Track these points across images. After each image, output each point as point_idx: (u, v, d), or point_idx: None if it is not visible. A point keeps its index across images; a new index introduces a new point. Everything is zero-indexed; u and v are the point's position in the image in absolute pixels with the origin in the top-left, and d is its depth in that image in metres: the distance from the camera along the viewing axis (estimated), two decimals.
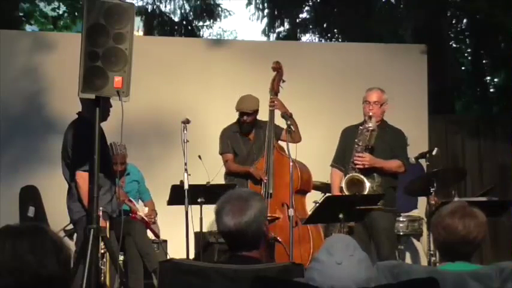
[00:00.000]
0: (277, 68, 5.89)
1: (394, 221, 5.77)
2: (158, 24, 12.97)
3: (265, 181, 5.71)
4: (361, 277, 2.25)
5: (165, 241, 6.65)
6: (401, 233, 6.52)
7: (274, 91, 5.86)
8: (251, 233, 2.68)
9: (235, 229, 2.65)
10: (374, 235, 5.41)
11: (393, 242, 5.65)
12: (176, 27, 13.10)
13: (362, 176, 5.38)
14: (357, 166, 5.41)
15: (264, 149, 5.86)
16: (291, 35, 13.04)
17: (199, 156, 5.79)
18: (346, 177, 5.45)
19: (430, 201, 5.69)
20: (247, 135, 6.12)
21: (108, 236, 4.48)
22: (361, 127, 5.48)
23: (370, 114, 5.42)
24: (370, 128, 5.39)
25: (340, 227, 5.02)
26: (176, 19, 13.23)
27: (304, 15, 13.65)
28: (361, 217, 5.24)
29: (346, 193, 5.33)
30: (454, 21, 13.03)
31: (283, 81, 5.87)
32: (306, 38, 13.66)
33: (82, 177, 4.49)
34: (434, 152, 6.37)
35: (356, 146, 5.43)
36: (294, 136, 5.63)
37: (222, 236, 2.75)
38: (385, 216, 5.38)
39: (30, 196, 7.03)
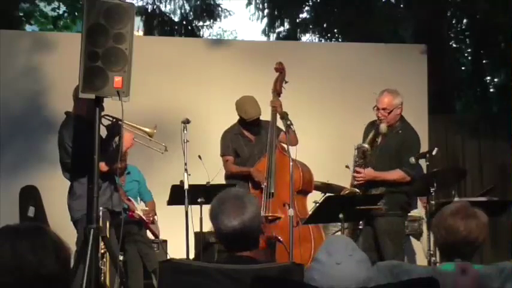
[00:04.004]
0: (280, 69, 5.89)
1: (399, 224, 5.58)
2: (158, 24, 12.97)
3: (263, 186, 5.70)
4: (361, 277, 2.26)
5: (165, 241, 6.66)
6: None
7: (277, 92, 5.85)
8: (254, 230, 2.69)
9: (239, 228, 2.64)
10: (378, 238, 5.41)
11: (398, 244, 5.50)
12: (176, 27, 13.11)
13: (356, 190, 5.38)
14: (355, 182, 5.40)
15: (266, 149, 5.86)
16: (291, 35, 13.05)
17: (199, 156, 5.79)
18: (341, 192, 5.47)
19: (431, 201, 5.69)
20: (253, 136, 6.11)
21: (109, 233, 4.48)
22: (355, 145, 5.44)
23: (378, 121, 5.39)
24: (364, 149, 5.38)
25: (343, 228, 5.03)
26: (176, 19, 13.24)
27: (304, 15, 13.64)
28: (361, 217, 5.25)
29: None
30: (454, 21, 13.03)
31: (286, 82, 5.87)
32: (306, 38, 13.67)
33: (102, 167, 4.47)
34: (434, 152, 6.35)
35: (354, 162, 5.43)
36: (292, 138, 5.61)
37: (223, 238, 2.70)
38: (389, 219, 5.36)
39: (30, 196, 7.04)
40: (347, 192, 5.45)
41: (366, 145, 5.38)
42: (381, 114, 5.39)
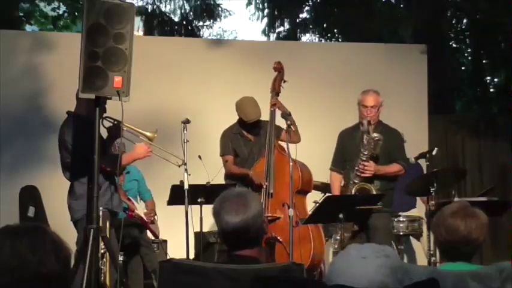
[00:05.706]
0: (279, 68, 5.88)
1: (391, 221, 5.82)
2: (158, 24, 12.98)
3: (264, 187, 5.69)
4: (377, 278, 2.21)
5: (165, 241, 6.66)
6: (401, 233, 6.53)
7: (276, 91, 5.85)
8: (256, 228, 2.68)
9: (241, 225, 2.63)
10: (371, 235, 5.42)
11: (391, 241, 5.66)
12: (176, 27, 13.12)
13: (370, 185, 5.40)
14: (363, 175, 5.41)
15: (265, 149, 5.86)
16: (291, 35, 13.06)
17: (199, 156, 5.79)
18: (355, 186, 5.47)
19: (431, 201, 5.70)
20: (252, 136, 6.11)
21: (109, 233, 4.48)
22: (366, 137, 5.44)
23: (369, 119, 5.42)
24: (376, 138, 5.39)
25: (342, 229, 5.03)
26: (176, 19, 13.25)
27: (304, 15, 13.67)
28: (361, 217, 5.24)
29: None
30: (454, 21, 13.04)
31: (285, 81, 5.86)
32: (306, 38, 13.70)
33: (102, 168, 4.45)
34: (434, 152, 6.38)
35: (361, 155, 5.43)
36: (294, 136, 5.61)
37: (225, 235, 2.70)
38: (382, 216, 5.40)
39: (30, 196, 7.04)
40: (359, 187, 5.44)
41: (377, 134, 5.40)
42: (370, 112, 5.44)
